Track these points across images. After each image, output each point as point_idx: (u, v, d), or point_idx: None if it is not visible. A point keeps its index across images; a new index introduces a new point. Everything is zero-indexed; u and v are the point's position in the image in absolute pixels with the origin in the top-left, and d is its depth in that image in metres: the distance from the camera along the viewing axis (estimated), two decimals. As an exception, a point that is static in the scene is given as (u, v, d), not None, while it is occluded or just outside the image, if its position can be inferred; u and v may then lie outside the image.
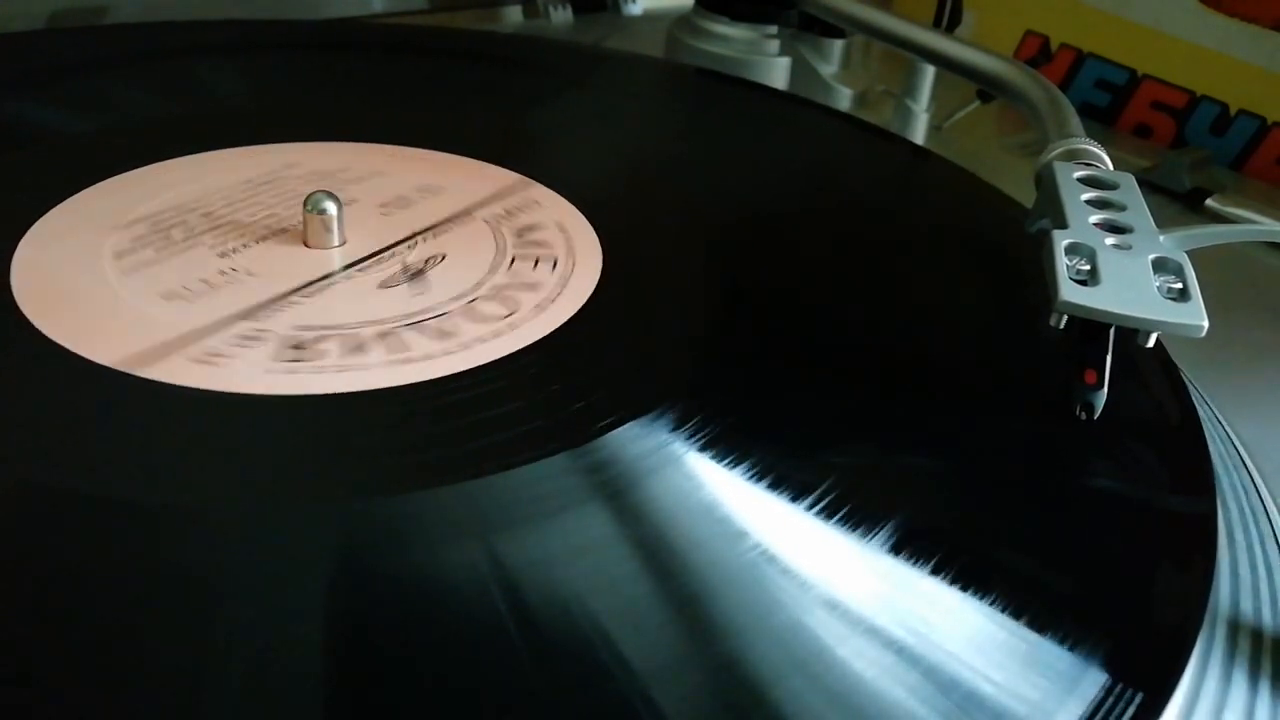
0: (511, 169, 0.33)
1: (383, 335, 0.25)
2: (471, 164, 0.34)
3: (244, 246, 0.28)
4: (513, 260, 0.28)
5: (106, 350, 0.23)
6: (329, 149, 0.34)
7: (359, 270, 0.27)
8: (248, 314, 0.25)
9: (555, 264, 0.28)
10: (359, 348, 0.24)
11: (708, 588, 0.19)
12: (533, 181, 0.33)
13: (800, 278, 0.29)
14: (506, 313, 0.26)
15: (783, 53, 0.49)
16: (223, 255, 0.27)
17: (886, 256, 0.32)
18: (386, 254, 0.28)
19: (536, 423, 0.22)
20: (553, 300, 0.27)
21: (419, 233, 0.29)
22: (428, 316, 0.25)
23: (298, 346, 0.24)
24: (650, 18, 0.61)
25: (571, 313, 0.26)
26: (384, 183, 0.32)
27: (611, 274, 0.28)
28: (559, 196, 0.32)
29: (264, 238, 0.28)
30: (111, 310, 0.25)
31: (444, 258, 0.28)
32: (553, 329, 0.25)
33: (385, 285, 0.27)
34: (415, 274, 0.27)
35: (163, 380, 0.22)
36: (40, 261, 0.26)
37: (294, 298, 0.26)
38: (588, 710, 0.17)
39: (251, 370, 0.23)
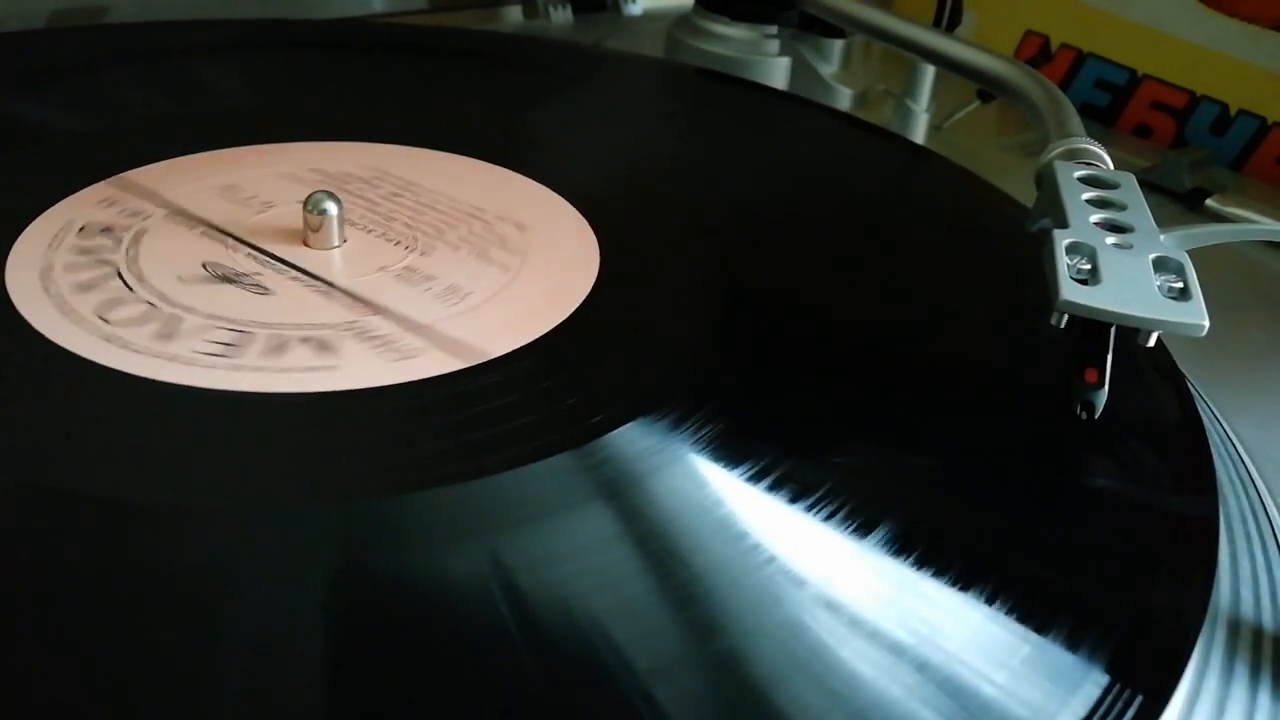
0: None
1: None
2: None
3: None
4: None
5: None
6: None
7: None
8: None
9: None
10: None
11: (708, 588, 0.19)
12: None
13: (800, 278, 0.29)
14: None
15: (783, 53, 0.49)
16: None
17: (886, 256, 0.31)
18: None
19: (537, 422, 0.22)
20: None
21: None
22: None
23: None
24: (650, 18, 0.61)
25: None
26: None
27: (610, 274, 0.28)
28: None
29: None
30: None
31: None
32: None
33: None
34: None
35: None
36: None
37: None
38: (589, 710, 0.17)
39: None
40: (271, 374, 0.23)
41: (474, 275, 0.27)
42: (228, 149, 0.33)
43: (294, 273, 0.27)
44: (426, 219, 0.30)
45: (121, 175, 0.31)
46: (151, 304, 0.25)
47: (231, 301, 0.25)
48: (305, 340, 0.24)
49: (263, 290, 0.26)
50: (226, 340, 0.24)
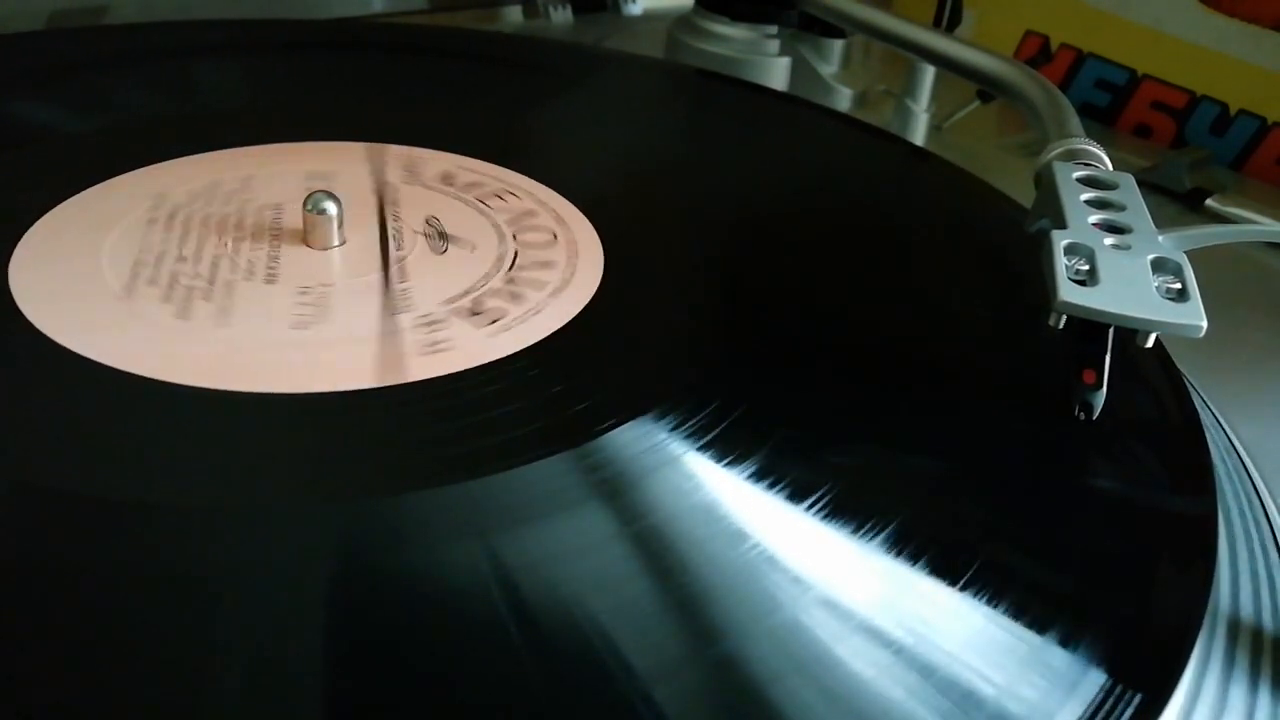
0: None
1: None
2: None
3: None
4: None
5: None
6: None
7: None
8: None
9: (556, 263, 0.28)
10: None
11: (708, 588, 0.19)
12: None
13: (800, 278, 0.29)
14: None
15: (783, 53, 0.49)
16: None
17: (886, 257, 0.32)
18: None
19: (537, 422, 0.22)
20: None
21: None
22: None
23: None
24: (650, 18, 0.61)
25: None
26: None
27: (612, 274, 0.28)
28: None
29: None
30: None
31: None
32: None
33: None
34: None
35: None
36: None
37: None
38: (588, 710, 0.17)
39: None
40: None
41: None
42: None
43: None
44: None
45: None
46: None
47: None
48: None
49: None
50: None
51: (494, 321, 0.25)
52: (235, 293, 0.26)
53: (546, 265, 0.28)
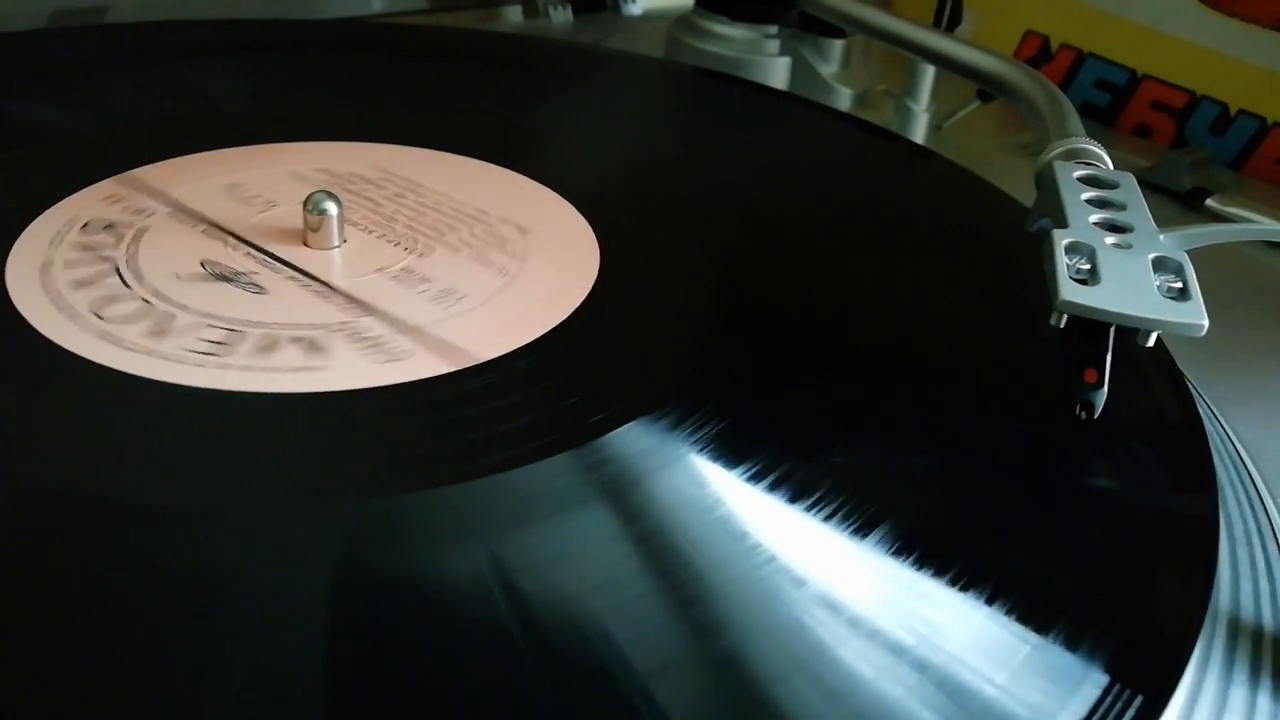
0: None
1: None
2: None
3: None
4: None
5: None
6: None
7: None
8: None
9: (555, 264, 0.28)
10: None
11: (708, 588, 0.19)
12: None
13: (800, 277, 0.29)
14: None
15: (783, 53, 0.49)
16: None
17: (886, 256, 0.31)
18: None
19: (537, 422, 0.22)
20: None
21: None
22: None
23: (307, 346, 0.24)
24: (650, 18, 0.61)
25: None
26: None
27: (610, 273, 0.28)
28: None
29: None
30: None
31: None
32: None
33: (388, 284, 0.27)
34: (417, 272, 0.27)
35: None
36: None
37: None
38: (589, 710, 0.17)
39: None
40: (259, 373, 0.23)
41: (472, 278, 0.27)
42: (232, 148, 0.33)
43: (291, 272, 0.27)
44: (428, 220, 0.30)
45: (129, 173, 0.31)
46: (146, 301, 0.25)
47: (226, 300, 0.25)
48: (296, 340, 0.24)
49: (258, 289, 0.26)
50: (217, 339, 0.24)
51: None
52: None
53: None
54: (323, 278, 0.27)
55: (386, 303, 0.26)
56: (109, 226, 0.28)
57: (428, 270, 0.28)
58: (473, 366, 0.24)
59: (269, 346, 0.24)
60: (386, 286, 0.27)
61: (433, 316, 0.25)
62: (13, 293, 0.25)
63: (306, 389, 0.22)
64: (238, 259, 0.27)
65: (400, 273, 0.27)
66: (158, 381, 0.22)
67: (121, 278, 0.26)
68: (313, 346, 0.24)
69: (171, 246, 0.28)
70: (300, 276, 0.27)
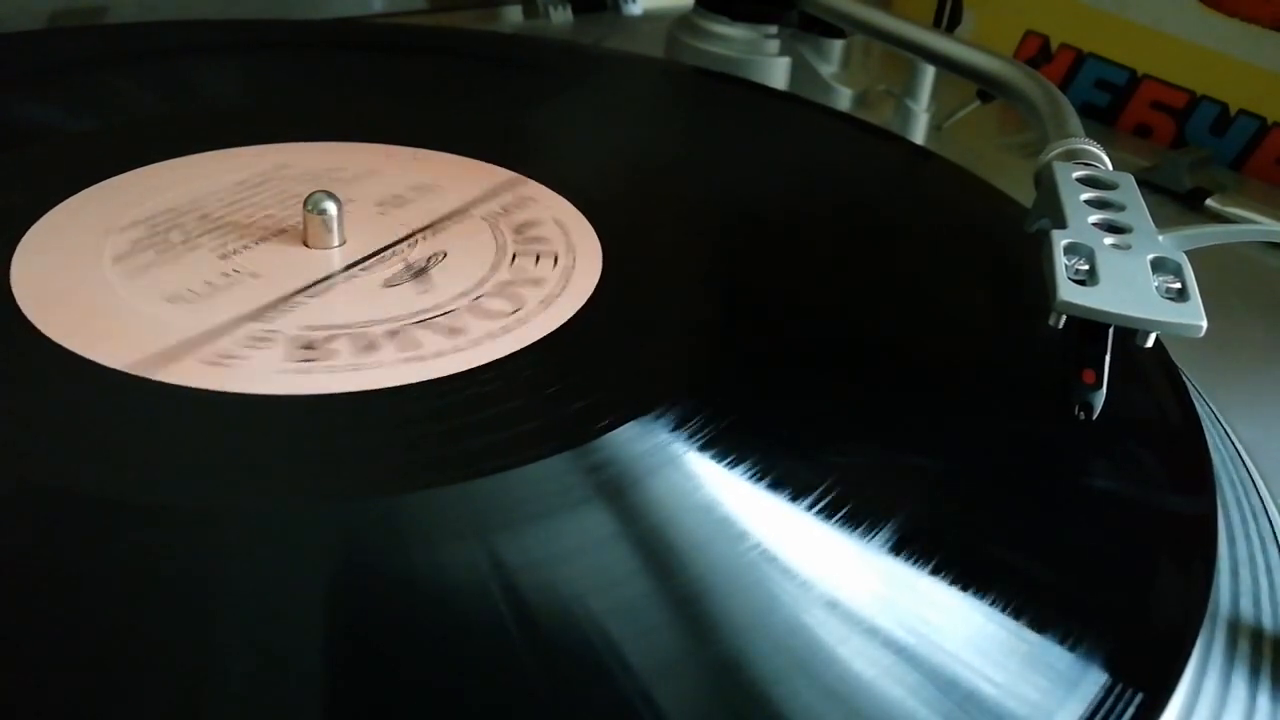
0: (512, 169, 0.33)
1: (393, 333, 0.25)
2: (470, 163, 0.34)
3: (244, 247, 0.28)
4: (514, 258, 0.28)
5: (110, 352, 0.23)
6: (328, 149, 0.34)
7: (361, 270, 0.27)
8: (254, 315, 0.25)
9: (556, 261, 0.28)
10: (370, 346, 0.24)
11: (708, 588, 0.19)
12: (532, 181, 0.33)
13: (800, 278, 0.29)
14: (512, 309, 0.26)
15: (783, 53, 0.49)
16: (224, 257, 0.27)
17: (886, 256, 0.32)
18: (387, 253, 0.28)
19: (537, 422, 0.22)
20: (555, 298, 0.27)
21: (418, 231, 0.29)
22: (436, 314, 0.26)
23: (308, 346, 0.24)
24: (650, 18, 0.61)
25: (572, 312, 0.26)
26: (383, 182, 0.32)
27: (612, 274, 0.28)
28: (559, 196, 0.32)
29: (264, 238, 0.28)
30: (114, 312, 0.25)
31: (445, 256, 0.28)
32: (554, 328, 0.25)
33: (389, 284, 0.27)
34: (418, 271, 0.27)
35: (174, 383, 0.22)
36: (40, 262, 0.26)
37: (299, 298, 0.26)
38: (588, 710, 0.17)
39: (264, 371, 0.23)
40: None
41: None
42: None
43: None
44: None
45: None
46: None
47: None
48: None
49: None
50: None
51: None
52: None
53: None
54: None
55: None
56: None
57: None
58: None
59: (310, 345, 0.24)
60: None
61: (428, 318, 0.25)
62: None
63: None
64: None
65: (400, 273, 0.27)
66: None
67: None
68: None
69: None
70: (299, 278, 0.27)
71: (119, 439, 0.21)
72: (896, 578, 0.20)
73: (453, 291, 0.27)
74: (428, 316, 0.25)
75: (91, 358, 0.23)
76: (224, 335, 0.24)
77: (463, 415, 0.22)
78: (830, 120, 0.43)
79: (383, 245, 0.29)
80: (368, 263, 0.28)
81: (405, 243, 0.29)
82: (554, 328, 0.25)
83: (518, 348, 0.24)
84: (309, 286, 0.26)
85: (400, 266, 0.28)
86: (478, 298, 0.26)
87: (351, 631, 0.17)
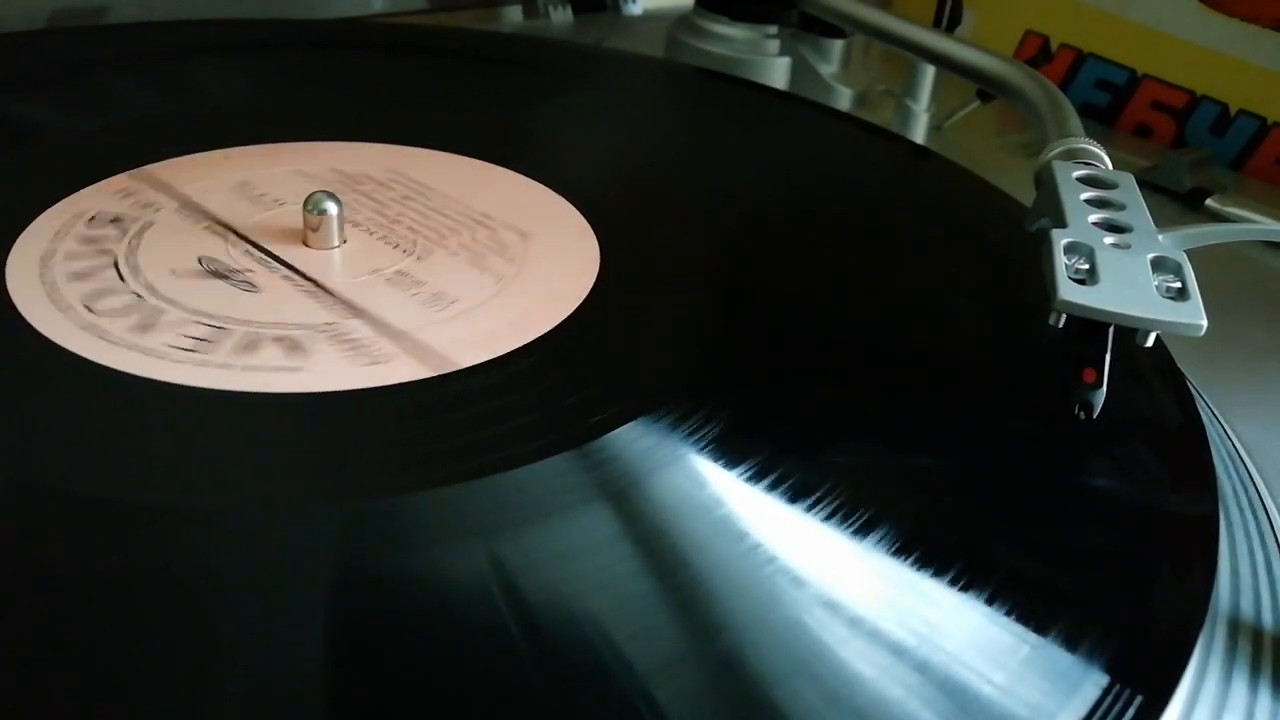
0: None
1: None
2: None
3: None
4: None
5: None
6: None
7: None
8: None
9: (554, 263, 0.28)
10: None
11: (709, 588, 0.19)
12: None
13: (800, 277, 0.29)
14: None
15: (783, 53, 0.49)
16: (223, 256, 0.27)
17: (886, 256, 0.31)
18: (387, 253, 0.28)
19: (537, 422, 0.22)
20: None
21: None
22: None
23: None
24: (650, 18, 0.61)
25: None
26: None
27: (610, 273, 0.28)
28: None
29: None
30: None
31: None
32: (552, 328, 0.25)
33: (389, 284, 0.27)
34: (415, 274, 0.27)
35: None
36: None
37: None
38: (589, 710, 0.17)
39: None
40: (237, 371, 0.23)
41: (475, 273, 0.27)
42: (227, 149, 0.33)
43: (286, 271, 0.27)
44: (431, 223, 0.30)
45: (143, 168, 0.31)
46: (138, 295, 0.25)
47: (217, 297, 0.25)
48: (278, 340, 0.24)
49: (251, 288, 0.26)
50: (201, 335, 0.24)
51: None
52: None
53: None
54: (317, 278, 0.27)
55: (376, 305, 0.26)
56: (115, 220, 0.28)
57: (424, 274, 0.27)
58: (473, 367, 0.24)
59: (251, 345, 0.24)
60: (379, 289, 0.27)
61: (424, 320, 0.25)
62: (10, 285, 0.25)
63: (283, 389, 0.22)
64: (236, 256, 0.27)
65: (395, 275, 0.27)
66: (135, 376, 0.22)
67: (119, 271, 0.26)
68: (294, 346, 0.24)
69: (173, 242, 0.28)
70: (294, 276, 0.27)
71: (117, 439, 0.21)
72: (897, 578, 0.20)
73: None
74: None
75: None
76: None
77: (463, 415, 0.22)
78: (830, 120, 0.43)
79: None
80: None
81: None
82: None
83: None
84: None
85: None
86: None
87: (351, 633, 0.17)
